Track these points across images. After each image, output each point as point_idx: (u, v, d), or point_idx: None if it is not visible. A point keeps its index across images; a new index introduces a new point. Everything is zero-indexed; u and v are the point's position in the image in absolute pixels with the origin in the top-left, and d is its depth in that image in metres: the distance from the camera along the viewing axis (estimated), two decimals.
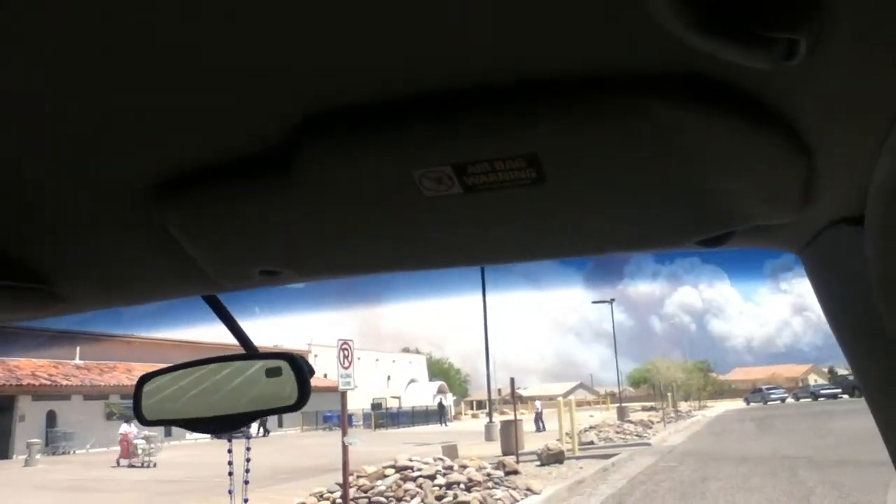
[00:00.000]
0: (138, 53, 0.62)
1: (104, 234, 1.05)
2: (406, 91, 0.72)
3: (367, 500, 9.92)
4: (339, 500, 9.56)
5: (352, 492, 9.22)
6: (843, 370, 79.39)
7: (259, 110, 0.75)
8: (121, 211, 0.96)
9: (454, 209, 0.90)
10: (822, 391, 57.93)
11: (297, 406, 1.35)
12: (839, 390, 56.15)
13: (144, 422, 1.41)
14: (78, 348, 32.80)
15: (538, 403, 38.20)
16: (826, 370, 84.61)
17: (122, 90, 0.68)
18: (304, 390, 1.36)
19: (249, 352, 1.45)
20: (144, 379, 1.42)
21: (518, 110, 0.73)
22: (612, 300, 47.71)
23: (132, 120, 0.74)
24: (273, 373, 1.38)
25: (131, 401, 1.43)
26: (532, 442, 18.86)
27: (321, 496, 10.24)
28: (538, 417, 34.32)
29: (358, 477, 10.47)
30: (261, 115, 0.76)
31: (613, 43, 0.64)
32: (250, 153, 0.83)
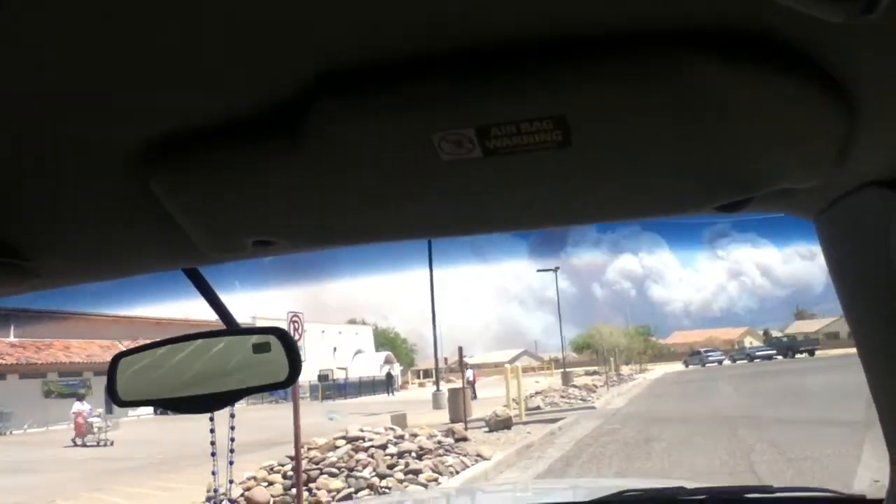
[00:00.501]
0: None
1: (84, 201, 0.97)
2: (428, 48, 0.67)
3: (318, 471, 9.90)
4: (291, 473, 9.52)
5: (303, 464, 9.19)
6: (777, 332, 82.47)
7: (267, 66, 0.69)
8: (103, 175, 0.89)
9: (472, 173, 0.86)
10: (758, 353, 59.95)
11: (287, 382, 1.30)
12: (773, 351, 58.29)
13: (119, 402, 1.33)
14: (12, 326, 31.74)
15: (470, 371, 38.22)
16: (761, 332, 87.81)
17: (107, 37, 0.61)
18: (295, 366, 1.30)
19: (233, 327, 1.38)
20: (119, 357, 1.35)
21: (549, 69, 0.69)
22: (557, 268, 48.45)
23: (118, 71, 0.67)
24: (261, 348, 1.32)
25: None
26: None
27: (271, 469, 10.18)
28: (470, 385, 34.13)
29: (309, 449, 10.43)
30: (268, 72, 0.70)
31: None
32: (253, 113, 0.77)
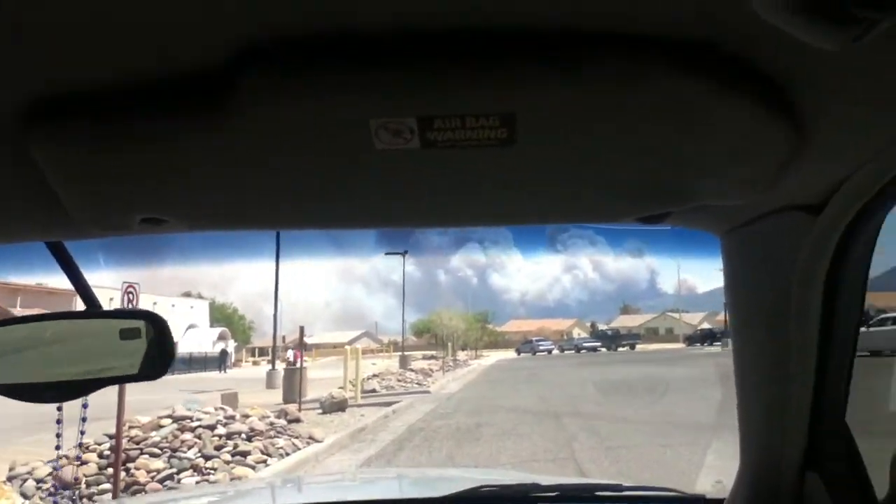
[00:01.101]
0: None
1: None
2: (374, 28, 0.61)
3: (139, 451, 9.39)
4: (108, 452, 8.97)
5: (123, 443, 8.67)
6: (603, 325, 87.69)
7: (182, 29, 0.60)
8: None
9: (407, 164, 0.81)
10: (584, 344, 63.38)
11: (157, 373, 1.16)
12: (599, 343, 61.83)
13: None
14: None
15: (290, 352, 37.16)
16: (588, 325, 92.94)
17: None
18: (166, 355, 1.17)
19: (96, 309, 1.22)
20: None
21: (503, 64, 0.65)
22: (406, 252, 48.77)
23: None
24: (129, 334, 1.18)
25: None
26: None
27: (87, 448, 9.54)
28: (293, 365, 32.78)
29: (130, 427, 9.86)
30: (184, 35, 0.61)
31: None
32: (160, 80, 0.67)
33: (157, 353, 1.19)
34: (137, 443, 9.61)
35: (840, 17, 0.50)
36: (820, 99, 0.75)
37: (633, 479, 8.06)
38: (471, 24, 0.62)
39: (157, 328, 1.20)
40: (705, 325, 71.47)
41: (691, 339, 58.40)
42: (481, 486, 2.22)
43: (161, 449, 9.51)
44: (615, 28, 0.63)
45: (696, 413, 12.89)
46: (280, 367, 25.45)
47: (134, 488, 8.53)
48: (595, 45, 0.65)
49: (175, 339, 1.21)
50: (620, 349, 57.13)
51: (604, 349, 58.34)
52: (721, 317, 59.52)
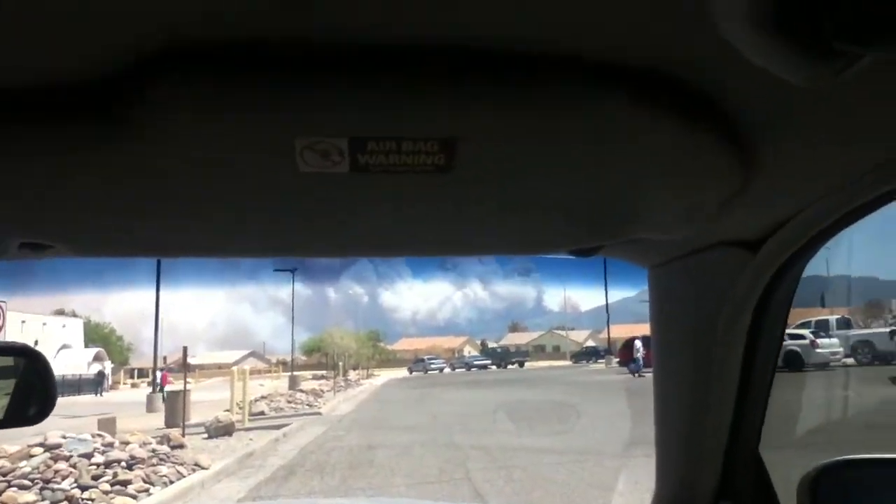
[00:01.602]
0: None
1: None
2: (305, 37, 0.55)
3: (6, 483, 8.71)
4: None
5: None
6: (493, 343, 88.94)
7: (78, 28, 0.51)
8: None
9: (333, 190, 0.74)
10: (475, 362, 63.99)
11: (35, 418, 1.02)
12: (489, 361, 62.61)
13: None
14: None
15: (159, 373, 35.36)
16: (479, 342, 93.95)
17: None
18: (48, 397, 1.03)
19: None
20: None
21: (450, 81, 0.59)
22: (295, 269, 47.84)
23: None
24: (1, 373, 1.03)
25: None
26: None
27: None
28: (160, 388, 31.35)
29: None
30: (79, 34, 0.52)
31: (583, 23, 0.54)
32: (45, 85, 0.58)
33: (34, 393, 1.07)
34: (4, 475, 8.91)
35: (820, 52, 0.47)
36: (775, 133, 0.73)
37: (528, 498, 8.18)
38: (414, 38, 0.57)
39: (36, 366, 1.07)
40: (590, 343, 73.70)
41: (577, 357, 59.91)
42: None
43: (32, 480, 8.85)
44: (570, 51, 0.60)
45: (586, 431, 13.22)
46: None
47: None
48: (548, 67, 0.61)
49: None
50: (510, 366, 58.09)
51: (494, 367, 59.14)
52: (604, 334, 61.59)
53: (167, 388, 24.58)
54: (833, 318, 24.89)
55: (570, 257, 1.12)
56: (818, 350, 21.91)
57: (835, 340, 23.20)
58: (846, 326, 24.90)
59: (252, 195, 0.78)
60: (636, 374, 28.07)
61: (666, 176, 0.79)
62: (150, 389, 27.00)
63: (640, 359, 28.59)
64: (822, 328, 23.93)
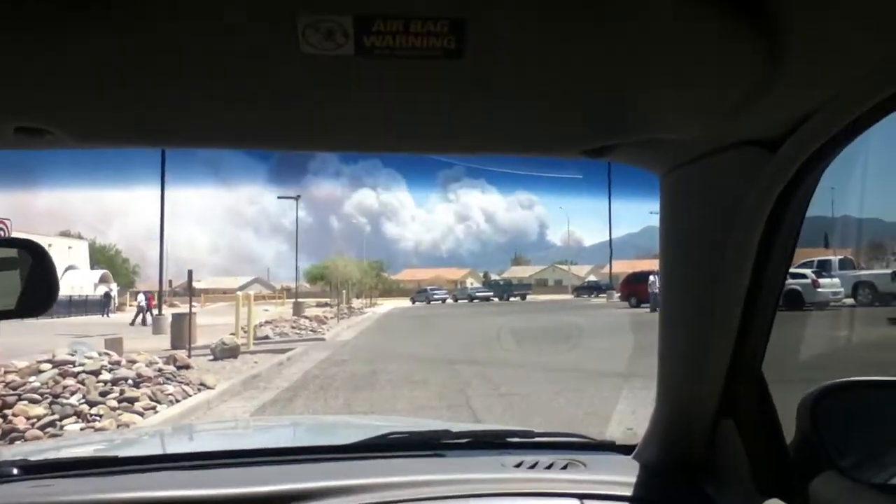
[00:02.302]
0: None
1: None
2: None
3: (16, 397, 8.91)
4: None
5: None
6: (496, 275, 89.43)
7: None
8: None
9: (336, 74, 0.71)
10: (477, 294, 64.48)
11: (39, 309, 1.04)
12: (491, 293, 63.03)
13: None
14: None
15: (142, 295, 35.45)
16: (482, 275, 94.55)
17: None
18: (51, 289, 1.04)
19: None
20: None
21: None
22: (298, 197, 47.79)
23: None
24: (2, 264, 1.04)
25: None
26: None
27: None
28: (144, 311, 31.74)
29: (6, 373, 9.33)
30: None
31: None
32: None
33: (38, 286, 1.08)
34: (14, 388, 9.11)
35: None
36: (801, 15, 0.70)
37: (525, 424, 8.34)
38: None
39: (38, 258, 1.08)
40: (592, 278, 74.07)
41: (579, 291, 60.37)
42: (389, 433, 2.14)
43: (41, 395, 9.05)
44: None
45: (584, 361, 13.40)
46: (168, 311, 24.59)
47: (12, 435, 8.11)
48: None
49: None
50: (512, 299, 58.56)
51: (496, 299, 59.60)
52: (606, 269, 61.79)
53: (172, 311, 24.86)
54: (835, 258, 24.90)
55: (582, 158, 1.09)
56: (819, 290, 22.02)
57: (836, 280, 23.27)
58: (849, 267, 24.95)
59: (252, 76, 0.75)
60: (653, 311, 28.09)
61: (685, 65, 0.76)
62: (155, 311, 27.25)
63: (657, 294, 28.41)
64: (824, 268, 23.98)
